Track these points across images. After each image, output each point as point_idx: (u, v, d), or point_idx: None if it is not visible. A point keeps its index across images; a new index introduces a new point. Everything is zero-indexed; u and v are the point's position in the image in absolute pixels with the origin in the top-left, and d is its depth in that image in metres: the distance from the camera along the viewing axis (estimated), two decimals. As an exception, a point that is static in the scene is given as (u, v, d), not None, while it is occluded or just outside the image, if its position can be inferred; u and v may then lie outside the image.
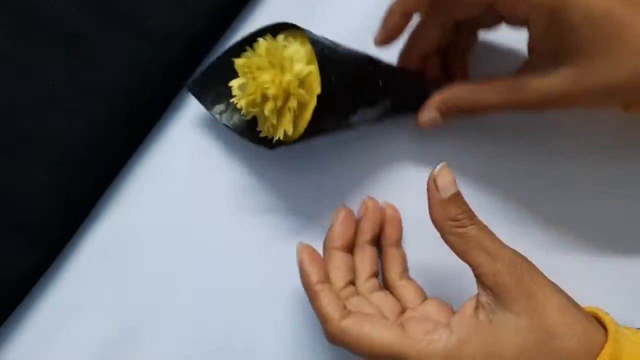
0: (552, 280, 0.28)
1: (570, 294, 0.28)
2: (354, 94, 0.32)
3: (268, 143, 0.33)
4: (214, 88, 0.35)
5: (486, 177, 0.36)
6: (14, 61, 0.34)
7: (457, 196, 0.28)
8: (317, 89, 0.30)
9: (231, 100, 0.33)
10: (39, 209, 0.34)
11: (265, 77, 0.30)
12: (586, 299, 0.28)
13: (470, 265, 0.28)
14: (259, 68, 0.31)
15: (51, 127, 0.34)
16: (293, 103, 0.30)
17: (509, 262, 0.27)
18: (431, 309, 0.31)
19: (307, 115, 0.31)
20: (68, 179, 0.34)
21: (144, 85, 0.35)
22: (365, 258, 0.33)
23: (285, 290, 0.35)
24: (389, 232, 0.34)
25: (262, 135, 0.33)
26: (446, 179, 0.28)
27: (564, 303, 0.27)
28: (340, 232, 0.33)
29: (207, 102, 0.35)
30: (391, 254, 0.34)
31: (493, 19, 0.32)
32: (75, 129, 0.34)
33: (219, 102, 0.35)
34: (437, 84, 0.34)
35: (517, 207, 0.36)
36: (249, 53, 0.32)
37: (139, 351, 0.35)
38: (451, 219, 0.28)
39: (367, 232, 0.33)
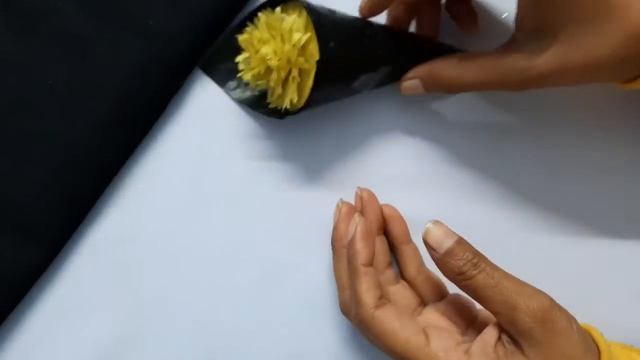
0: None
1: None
2: (354, 59, 0.32)
3: (277, 113, 0.34)
4: (224, 65, 0.36)
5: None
6: (14, 61, 0.34)
7: (454, 249, 0.28)
8: (317, 56, 0.30)
9: (238, 75, 0.34)
10: (39, 209, 0.34)
11: (267, 49, 0.31)
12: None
13: (489, 311, 0.27)
14: (260, 41, 0.32)
15: (51, 127, 0.34)
16: (295, 72, 0.31)
17: (525, 309, 0.26)
18: (452, 308, 0.31)
19: (310, 82, 0.31)
20: (68, 178, 0.34)
21: (144, 84, 0.35)
22: (377, 249, 0.33)
23: (286, 290, 0.35)
24: (396, 230, 0.34)
25: (271, 106, 0.34)
26: (437, 236, 0.28)
27: (578, 346, 0.26)
28: (346, 229, 0.32)
29: (219, 79, 0.36)
30: (404, 250, 0.34)
31: None
32: (75, 129, 0.34)
33: (230, 78, 0.36)
34: (435, 49, 0.34)
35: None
36: (249, 28, 0.33)
37: (139, 351, 0.34)
38: (456, 273, 0.28)
39: (371, 222, 0.33)
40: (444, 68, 0.32)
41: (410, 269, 0.33)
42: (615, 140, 0.35)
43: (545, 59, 0.28)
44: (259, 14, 0.33)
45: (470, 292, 0.28)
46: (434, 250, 0.28)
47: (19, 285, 0.33)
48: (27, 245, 0.33)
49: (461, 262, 0.27)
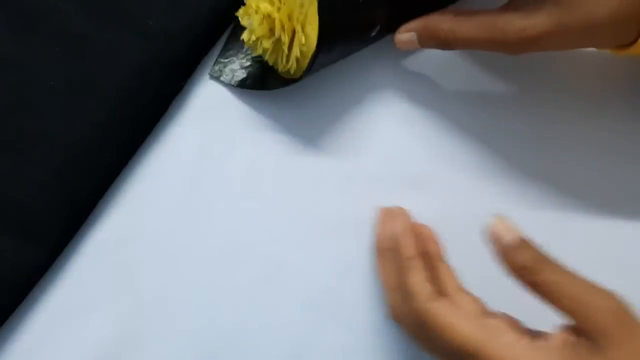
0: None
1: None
2: (355, 14, 0.32)
3: (289, 78, 0.34)
4: (230, 66, 0.36)
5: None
6: (14, 61, 0.34)
7: (521, 242, 0.27)
8: (315, 2, 0.31)
9: (243, 48, 0.35)
10: (40, 209, 0.34)
11: (265, 5, 0.32)
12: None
13: (558, 311, 0.26)
14: (257, 2, 0.32)
15: (51, 127, 0.34)
16: (298, 23, 0.31)
17: (600, 307, 0.25)
18: (505, 318, 0.28)
19: (314, 31, 0.31)
20: (68, 179, 0.34)
21: (145, 85, 0.35)
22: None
23: (286, 290, 0.35)
24: (433, 249, 0.33)
25: (281, 71, 0.34)
26: (503, 227, 0.27)
27: None
28: (388, 229, 0.31)
29: (227, 79, 0.36)
30: (441, 268, 0.32)
31: None
32: (75, 129, 0.34)
33: (237, 75, 0.36)
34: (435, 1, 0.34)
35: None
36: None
37: (139, 351, 0.35)
38: (522, 267, 0.26)
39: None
40: (440, 21, 0.31)
41: (450, 287, 0.31)
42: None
43: (542, 19, 0.28)
44: None
45: (537, 287, 0.26)
46: (499, 242, 0.27)
47: (20, 286, 0.33)
48: (28, 246, 0.33)
49: (527, 256, 0.26)
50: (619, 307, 0.25)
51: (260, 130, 0.37)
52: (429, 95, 0.37)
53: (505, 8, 0.30)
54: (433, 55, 0.37)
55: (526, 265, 0.26)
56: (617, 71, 0.36)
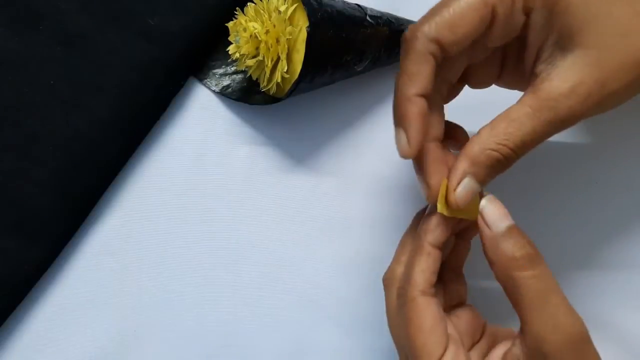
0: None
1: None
2: (345, 37, 0.32)
3: (272, 98, 0.34)
4: (217, 70, 0.36)
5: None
6: (14, 61, 0.34)
7: (513, 230, 0.25)
8: (305, 22, 0.31)
9: (228, 60, 0.35)
10: (40, 209, 0.34)
11: (254, 24, 0.32)
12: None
13: (520, 317, 0.24)
14: (247, 21, 0.32)
15: (52, 126, 0.34)
16: (284, 40, 0.31)
17: (565, 338, 0.23)
18: (468, 318, 0.28)
19: (300, 59, 0.31)
20: (68, 178, 0.34)
21: (145, 84, 0.35)
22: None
23: (286, 290, 0.35)
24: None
25: (263, 88, 0.33)
26: (495, 212, 0.25)
27: None
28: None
29: (213, 83, 0.36)
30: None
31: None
32: (76, 129, 0.34)
33: (223, 81, 0.36)
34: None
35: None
36: (238, 15, 0.33)
37: (139, 351, 0.35)
38: (508, 259, 0.24)
39: None
40: (484, 144, 0.25)
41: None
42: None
43: (581, 73, 0.24)
44: (249, 4, 0.33)
45: (512, 288, 0.24)
46: (489, 227, 0.25)
47: (20, 286, 0.34)
48: (28, 246, 0.33)
49: (517, 247, 0.24)
50: (581, 338, 0.24)
51: (260, 130, 0.37)
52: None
53: (534, 86, 0.25)
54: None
55: (515, 257, 0.24)
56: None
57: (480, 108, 0.37)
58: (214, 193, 0.36)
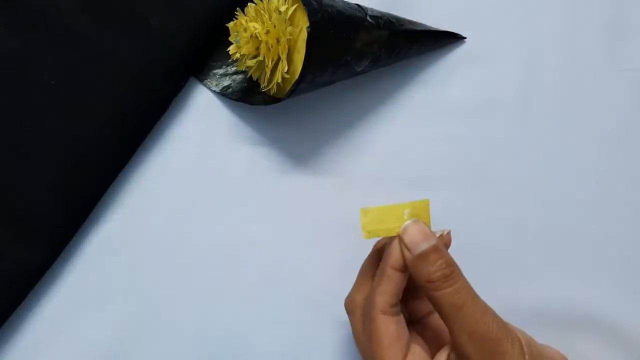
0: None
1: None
2: (346, 36, 0.32)
3: (276, 98, 0.34)
4: (217, 71, 0.37)
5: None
6: (14, 61, 0.34)
7: (429, 253, 0.27)
8: (305, 23, 0.31)
9: (229, 61, 0.35)
10: (40, 209, 0.34)
11: (254, 24, 0.32)
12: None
13: (447, 327, 0.27)
14: (247, 21, 0.32)
15: (52, 126, 0.34)
16: (284, 40, 0.31)
17: (480, 344, 0.25)
18: (430, 331, 0.31)
19: (301, 60, 0.31)
20: (69, 178, 0.34)
21: (145, 84, 0.35)
22: None
23: (286, 290, 0.35)
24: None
25: (263, 88, 0.33)
26: (414, 235, 0.27)
27: None
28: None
29: (214, 84, 0.36)
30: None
31: None
32: (76, 129, 0.34)
33: (224, 81, 0.36)
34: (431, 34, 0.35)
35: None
36: (238, 15, 0.33)
37: (139, 351, 0.35)
38: (426, 280, 0.26)
39: None
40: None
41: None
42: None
43: None
44: (249, 4, 0.33)
45: (434, 304, 0.27)
46: (408, 250, 0.27)
47: (20, 286, 0.34)
48: (28, 246, 0.33)
49: (433, 269, 0.26)
50: (496, 338, 0.25)
51: (260, 130, 0.37)
52: (429, 97, 0.37)
53: None
54: (432, 62, 0.37)
55: (431, 279, 0.26)
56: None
57: (480, 108, 0.37)
58: (214, 193, 0.36)
